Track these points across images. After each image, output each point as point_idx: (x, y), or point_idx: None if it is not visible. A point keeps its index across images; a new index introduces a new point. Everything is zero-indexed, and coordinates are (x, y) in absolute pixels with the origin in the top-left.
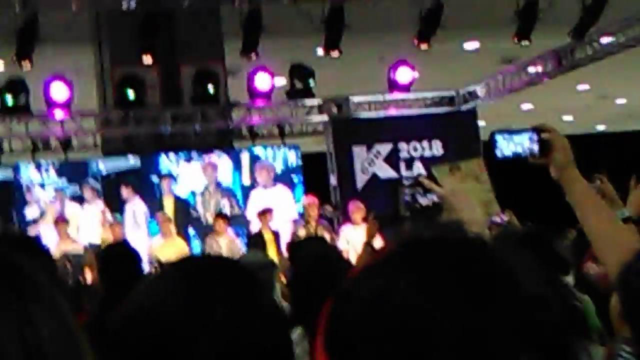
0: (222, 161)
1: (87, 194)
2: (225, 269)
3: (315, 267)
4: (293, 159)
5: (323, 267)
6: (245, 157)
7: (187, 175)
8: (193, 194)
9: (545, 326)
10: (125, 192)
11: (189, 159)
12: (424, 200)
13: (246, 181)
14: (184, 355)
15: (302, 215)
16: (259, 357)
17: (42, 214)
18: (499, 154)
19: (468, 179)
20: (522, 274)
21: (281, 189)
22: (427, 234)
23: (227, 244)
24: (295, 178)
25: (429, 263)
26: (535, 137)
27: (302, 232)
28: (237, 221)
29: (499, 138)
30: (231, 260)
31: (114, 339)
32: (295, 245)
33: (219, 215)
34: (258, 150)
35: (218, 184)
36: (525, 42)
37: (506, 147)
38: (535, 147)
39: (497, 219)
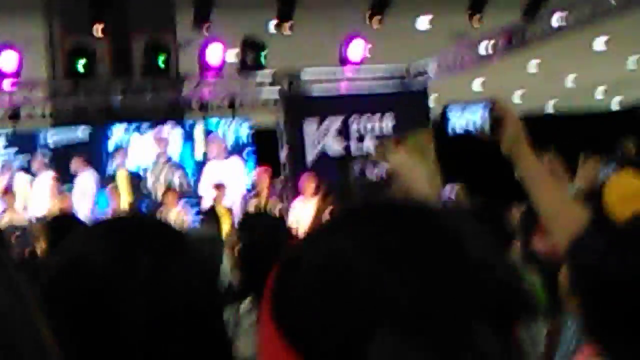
0: (172, 134)
1: (36, 165)
2: (152, 224)
3: (264, 239)
4: (244, 132)
5: (271, 238)
6: (198, 130)
7: (138, 149)
8: (144, 169)
9: (494, 292)
10: (75, 163)
11: (139, 130)
12: (373, 174)
13: (199, 155)
14: (111, 306)
15: (253, 186)
16: (186, 309)
17: None
18: (450, 130)
19: (413, 153)
20: (470, 239)
21: (234, 161)
22: (373, 201)
23: (176, 217)
24: (246, 151)
25: (375, 227)
26: (486, 113)
27: (253, 203)
28: (189, 195)
29: (450, 115)
30: (159, 219)
31: (44, 292)
32: (243, 217)
33: (169, 188)
34: (210, 123)
35: (169, 158)
36: (477, 20)
37: (457, 123)
38: (487, 124)
39: (446, 194)
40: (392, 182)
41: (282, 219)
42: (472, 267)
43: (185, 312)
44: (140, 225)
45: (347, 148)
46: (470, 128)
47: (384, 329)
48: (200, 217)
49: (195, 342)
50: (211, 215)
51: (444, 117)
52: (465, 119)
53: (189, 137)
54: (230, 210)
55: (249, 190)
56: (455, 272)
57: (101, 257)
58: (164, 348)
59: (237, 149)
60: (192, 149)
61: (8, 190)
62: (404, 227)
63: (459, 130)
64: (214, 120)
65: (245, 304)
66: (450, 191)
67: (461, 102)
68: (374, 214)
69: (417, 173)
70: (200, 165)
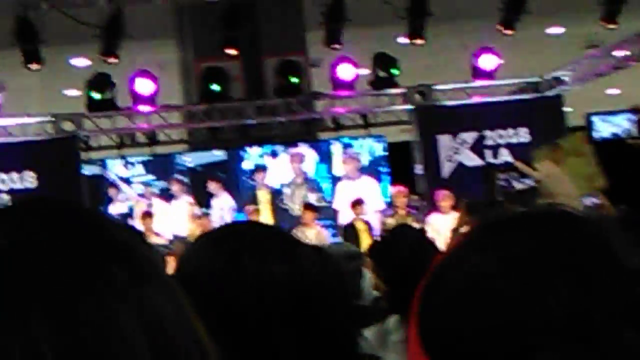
0: (307, 154)
1: (175, 188)
2: (258, 229)
3: (410, 255)
4: (379, 149)
5: (418, 254)
6: (336, 148)
7: (274, 168)
8: (280, 187)
9: None
10: (212, 186)
11: (274, 154)
12: (519, 185)
13: (337, 172)
14: (226, 306)
15: (389, 205)
16: (295, 309)
17: (130, 210)
18: (596, 135)
19: (569, 156)
20: (620, 248)
21: (367, 180)
22: (514, 212)
23: (315, 235)
24: (382, 168)
25: (518, 242)
26: (633, 117)
27: (390, 222)
28: (325, 213)
29: (595, 120)
30: (266, 225)
31: None
32: (386, 233)
33: (307, 206)
34: (345, 141)
35: (305, 177)
36: (612, 26)
37: (603, 129)
38: (634, 128)
39: (589, 202)
40: (539, 193)
41: (424, 234)
42: (626, 278)
43: (294, 311)
44: (245, 231)
45: (482, 161)
46: (618, 133)
47: (541, 351)
48: (340, 232)
49: (308, 341)
50: (350, 231)
51: (589, 123)
52: (612, 125)
53: (324, 155)
54: (369, 225)
55: (384, 210)
56: (609, 283)
57: (212, 264)
58: (277, 346)
59: (372, 167)
60: (329, 167)
61: (146, 215)
62: (548, 240)
63: (605, 136)
64: (347, 139)
65: (392, 320)
66: (594, 200)
67: (604, 110)
68: (516, 227)
69: (565, 184)
70: (337, 182)
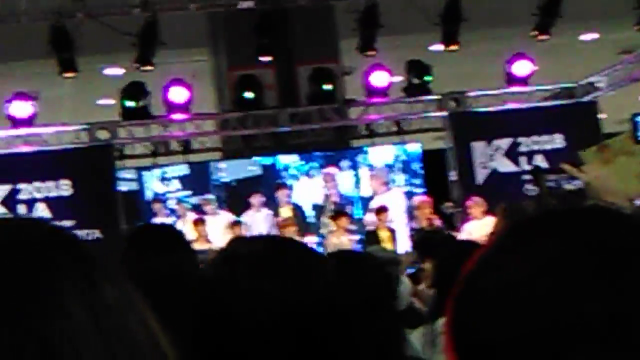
0: (343, 171)
1: (208, 209)
2: (262, 241)
3: (456, 262)
4: (413, 157)
5: (462, 255)
6: (364, 170)
7: (306, 187)
8: (313, 206)
9: None
10: (257, 200)
11: (309, 174)
12: (569, 186)
13: (365, 192)
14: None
15: (411, 216)
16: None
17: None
18: None
19: (618, 156)
20: None
21: (396, 193)
22: (539, 212)
23: (344, 242)
24: (416, 179)
25: (546, 244)
26: None
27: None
28: (358, 230)
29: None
30: (275, 236)
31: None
32: (423, 236)
33: (338, 212)
34: (376, 150)
35: (339, 195)
36: None
37: None
38: None
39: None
40: (587, 194)
41: (470, 243)
42: None
43: (295, 323)
44: (247, 244)
45: (517, 168)
46: None
47: (581, 350)
48: (363, 238)
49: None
50: (372, 238)
51: (634, 123)
52: None
53: (357, 171)
54: (393, 234)
55: (410, 223)
56: None
57: (210, 275)
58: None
59: (406, 174)
60: (359, 188)
61: (199, 222)
62: (579, 239)
63: None
64: (380, 146)
65: (441, 321)
66: None
67: None
68: (544, 229)
69: (613, 185)
70: (366, 202)
